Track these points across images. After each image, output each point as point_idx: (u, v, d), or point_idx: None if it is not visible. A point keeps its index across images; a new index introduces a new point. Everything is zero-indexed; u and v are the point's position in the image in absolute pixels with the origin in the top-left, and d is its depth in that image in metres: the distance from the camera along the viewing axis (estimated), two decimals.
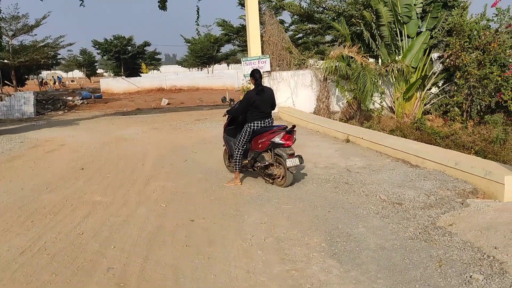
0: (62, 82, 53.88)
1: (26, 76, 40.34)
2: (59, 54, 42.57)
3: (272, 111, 6.55)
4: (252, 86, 6.62)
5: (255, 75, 6.33)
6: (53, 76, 50.53)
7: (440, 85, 13.91)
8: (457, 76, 12.66)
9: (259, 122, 6.25)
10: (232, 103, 7.07)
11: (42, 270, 3.88)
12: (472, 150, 9.82)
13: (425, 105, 13.76)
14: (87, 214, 5.39)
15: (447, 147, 9.74)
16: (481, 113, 12.20)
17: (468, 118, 12.40)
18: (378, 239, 4.22)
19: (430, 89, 13.90)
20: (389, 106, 14.16)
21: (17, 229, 4.92)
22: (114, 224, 5.00)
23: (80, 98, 26.50)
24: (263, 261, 3.90)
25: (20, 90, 28.64)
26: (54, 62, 42.76)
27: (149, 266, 3.89)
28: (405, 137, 10.21)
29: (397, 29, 13.62)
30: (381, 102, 13.60)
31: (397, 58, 13.61)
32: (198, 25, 15.94)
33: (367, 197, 5.56)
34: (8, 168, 8.24)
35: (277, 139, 5.99)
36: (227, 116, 6.90)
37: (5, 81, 33.07)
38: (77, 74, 76.41)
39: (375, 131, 10.09)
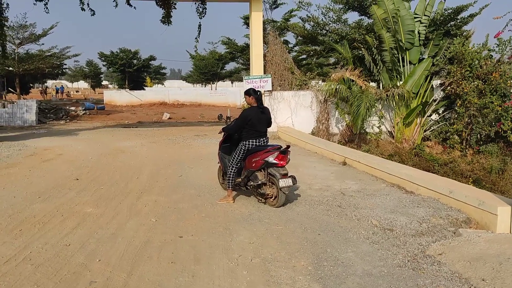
0: (67, 92, 54.32)
1: (31, 85, 40.69)
2: (65, 64, 43.00)
3: (270, 130, 6.54)
4: (246, 105, 6.64)
5: (254, 93, 6.36)
6: (56, 86, 50.91)
7: (440, 112, 13.96)
8: (458, 104, 12.71)
9: (254, 140, 6.25)
10: (228, 120, 7.10)
11: (24, 280, 3.83)
12: (470, 178, 9.78)
13: (424, 131, 13.77)
14: (76, 225, 5.35)
15: (445, 175, 9.71)
16: (481, 142, 12.20)
17: (467, 146, 12.40)
18: (366, 265, 4.17)
19: (430, 115, 13.94)
20: (388, 131, 14.19)
21: (4, 237, 4.88)
22: (102, 237, 4.95)
23: (83, 108, 26.65)
24: (247, 282, 3.85)
25: (23, 98, 28.87)
26: (60, 72, 43.12)
27: (132, 282, 3.84)
28: (403, 163, 10.19)
29: (399, 55, 13.74)
30: (379, 126, 13.63)
31: (398, 83, 13.70)
32: (198, 41, 16.10)
33: (358, 221, 5.52)
34: (3, 175, 8.23)
35: (271, 159, 5.98)
36: (223, 133, 6.91)
37: (9, 88, 33.35)
38: (83, 84, 77.06)
39: (372, 155, 10.08)
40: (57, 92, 49.45)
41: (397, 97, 13.09)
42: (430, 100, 13.76)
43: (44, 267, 4.11)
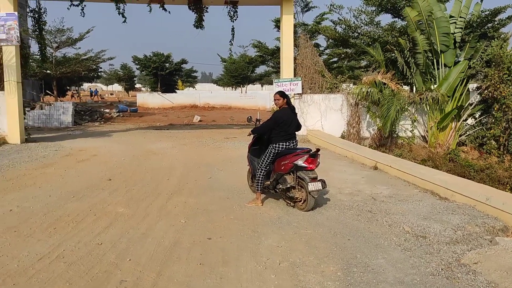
0: (100, 95, 55.91)
1: (68, 87, 42.12)
2: (100, 68, 44.30)
3: (299, 133, 6.50)
4: (275, 108, 6.62)
5: (285, 95, 6.35)
6: (90, 89, 52.45)
7: (476, 116, 13.50)
8: (495, 108, 12.26)
9: (284, 143, 6.22)
10: (258, 123, 7.09)
11: (57, 278, 3.94)
12: (507, 185, 9.41)
13: (460, 136, 13.34)
14: (108, 224, 5.47)
15: (482, 181, 9.36)
16: None
17: (505, 152, 11.92)
18: (398, 273, 4.06)
19: (466, 120, 13.49)
20: (421, 135, 13.83)
21: (39, 235, 5.05)
22: (133, 236, 5.05)
23: (117, 111, 27.36)
24: (275, 286, 3.82)
25: (60, 100, 29.93)
26: (95, 75, 44.47)
27: (161, 282, 3.88)
28: (437, 168, 9.90)
29: (434, 57, 13.39)
30: (412, 130, 13.30)
31: (432, 86, 13.35)
32: (232, 44, 16.22)
33: (390, 227, 5.39)
34: (40, 175, 8.54)
35: (300, 162, 5.94)
36: (252, 135, 6.91)
37: (47, 91, 34.64)
38: (117, 87, 79.13)
39: (405, 160, 9.85)
40: (91, 95, 50.99)
41: (431, 100, 12.75)
42: (466, 104, 13.33)
43: (77, 265, 4.22)
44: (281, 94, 6.39)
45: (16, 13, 12.86)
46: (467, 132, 13.47)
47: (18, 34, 12.82)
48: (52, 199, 6.66)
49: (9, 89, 12.92)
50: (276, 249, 4.67)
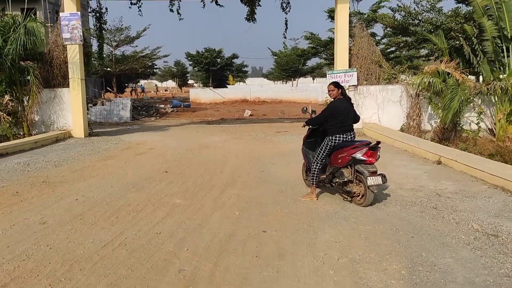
0: (154, 91, 57.53)
1: (126, 84, 43.93)
2: (156, 65, 45.77)
3: (354, 126, 6.25)
4: (329, 100, 6.40)
5: (339, 86, 6.13)
6: (135, 85, 53.60)
7: None
8: None
9: (340, 135, 5.99)
10: (313, 114, 6.90)
11: (120, 264, 4.05)
12: None
13: None
14: (166, 215, 5.57)
15: None
16: None
17: None
18: (468, 273, 3.75)
19: None
20: (488, 128, 12.91)
21: (102, 224, 5.24)
22: (189, 227, 5.09)
23: (171, 106, 28.11)
24: (334, 282, 3.67)
25: (119, 97, 31.25)
26: (151, 72, 45.99)
27: (218, 273, 3.86)
28: (507, 163, 9.18)
29: (503, 44, 12.42)
30: (478, 123, 12.45)
31: (501, 75, 12.39)
32: (286, 37, 16.07)
33: (457, 225, 5.03)
34: (102, 166, 8.91)
35: (359, 155, 5.69)
36: (307, 127, 6.74)
37: (107, 88, 36.33)
38: (171, 84, 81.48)
39: (470, 154, 9.23)
40: (142, 91, 52.58)
41: (500, 90, 11.82)
42: None
43: (138, 252, 4.31)
44: (335, 84, 6.17)
45: (79, 13, 13.50)
46: None
47: (81, 33, 13.47)
48: (114, 190, 6.91)
49: (73, 86, 13.64)
50: (333, 245, 4.51)
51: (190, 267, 3.97)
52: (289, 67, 50.30)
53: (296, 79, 55.64)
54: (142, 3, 14.99)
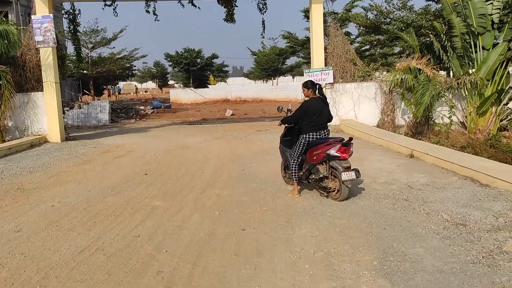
0: (133, 92, 56.82)
1: (104, 86, 43.33)
2: (135, 66, 45.31)
3: (332, 124, 6.42)
4: (305, 99, 6.55)
5: (313, 86, 6.28)
6: (114, 86, 52.73)
7: None
8: None
9: (314, 133, 6.16)
10: (289, 113, 7.04)
11: (97, 269, 4.08)
12: None
13: (501, 121, 12.74)
14: (145, 217, 5.62)
15: None
16: None
17: None
18: (436, 261, 3.94)
19: (507, 104, 12.86)
20: (460, 121, 13.32)
21: (79, 229, 5.25)
22: (169, 229, 5.15)
23: (151, 107, 27.92)
24: (310, 276, 3.80)
25: (97, 99, 30.85)
26: (130, 73, 45.52)
27: (197, 273, 3.95)
28: (477, 155, 9.53)
29: (471, 40, 12.83)
30: (450, 117, 12.83)
31: (470, 70, 12.80)
32: (264, 37, 16.17)
33: (427, 215, 5.24)
34: (79, 171, 8.86)
35: (333, 152, 5.85)
36: (283, 126, 6.88)
37: (84, 91, 35.79)
38: (151, 85, 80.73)
39: (441, 147, 9.54)
40: (119, 93, 51.62)
41: (469, 85, 12.22)
42: (507, 88, 12.69)
43: (116, 257, 4.36)
44: (305, 84, 6.34)
45: (51, 15, 13.33)
46: (509, 117, 12.85)
47: (54, 36, 13.30)
48: (91, 194, 6.90)
49: (47, 89, 13.45)
50: (310, 239, 4.65)
51: (169, 269, 4.04)
52: (268, 66, 50.52)
53: (276, 78, 55.91)
54: (117, 4, 14.88)
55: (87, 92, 35.41)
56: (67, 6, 16.70)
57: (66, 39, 24.83)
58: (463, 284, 3.49)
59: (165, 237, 4.86)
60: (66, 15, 16.36)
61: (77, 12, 16.14)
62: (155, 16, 15.39)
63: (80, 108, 20.90)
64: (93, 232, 5.14)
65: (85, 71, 32.47)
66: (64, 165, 9.55)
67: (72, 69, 30.61)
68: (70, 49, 20.11)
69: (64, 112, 15.68)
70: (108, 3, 14.64)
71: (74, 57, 18.89)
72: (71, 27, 16.47)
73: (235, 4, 15.41)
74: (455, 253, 4.11)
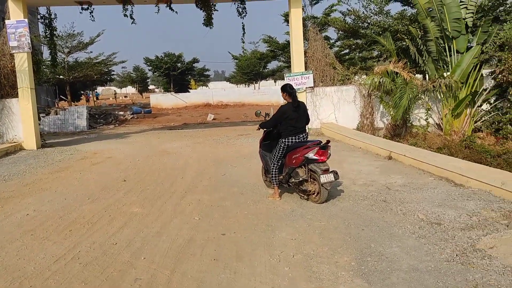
0: (112, 97, 56.15)
1: (82, 92, 42.67)
2: (113, 71, 44.77)
3: (313, 127, 6.49)
4: (284, 102, 6.60)
5: (290, 89, 6.34)
6: (92, 92, 51.97)
7: (492, 101, 13.21)
8: (510, 93, 11.99)
9: (293, 137, 6.21)
10: (267, 117, 7.08)
11: (73, 278, 4.01)
12: None
13: (475, 122, 13.08)
14: (123, 225, 5.55)
15: (499, 167, 9.18)
16: None
17: None
18: (412, 260, 4.02)
19: (481, 105, 13.22)
20: (436, 123, 13.61)
21: (55, 238, 5.15)
22: (147, 235, 5.11)
23: (131, 113, 27.63)
24: (289, 278, 3.82)
25: (75, 105, 30.36)
26: (108, 78, 44.96)
27: (175, 279, 3.92)
28: (453, 155, 9.75)
29: (445, 44, 13.14)
30: (427, 119, 13.09)
31: (445, 73, 13.11)
32: (244, 42, 16.18)
33: (404, 216, 5.33)
34: (55, 178, 8.70)
35: (311, 155, 5.91)
36: (262, 130, 6.92)
37: (61, 96, 35.16)
38: (130, 90, 79.94)
39: (419, 148, 9.72)
40: (96, 97, 50.87)
41: (444, 87, 12.50)
42: (480, 90, 13.05)
43: (92, 265, 4.29)
44: (283, 88, 6.40)
45: (26, 20, 13.08)
46: (483, 118, 13.19)
47: (29, 41, 13.06)
48: (67, 202, 6.79)
49: (22, 95, 13.17)
50: (289, 242, 4.67)
51: (147, 276, 4.01)
52: (250, 70, 50.63)
53: (258, 82, 56.06)
54: (94, 8, 14.71)
55: (64, 97, 34.80)
56: (42, 10, 16.47)
57: (42, 44, 24.41)
58: (437, 282, 3.57)
59: (143, 244, 4.81)
60: (42, 20, 16.11)
61: (53, 16, 15.92)
62: (132, 20, 15.29)
63: (56, 114, 20.52)
64: (69, 240, 5.05)
65: (61, 76, 31.91)
66: (40, 173, 9.36)
67: (48, 74, 30.02)
68: (46, 54, 19.78)
69: (40, 119, 15.35)
70: (85, 7, 14.46)
71: (50, 62, 18.54)
72: (47, 31, 16.21)
73: (214, 8, 15.40)
74: (430, 251, 4.20)
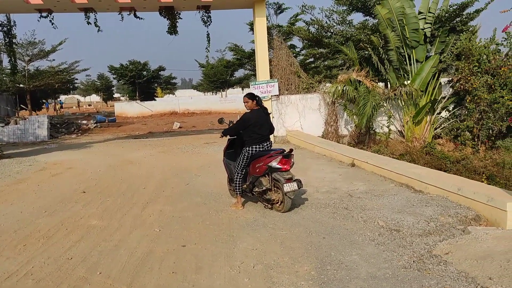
0: (75, 106, 54.65)
1: (44, 100, 41.27)
2: (76, 79, 43.58)
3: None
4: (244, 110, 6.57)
5: (254, 97, 6.33)
6: (54, 100, 50.60)
7: (450, 109, 13.73)
8: (468, 100, 12.49)
9: (257, 146, 6.19)
10: (231, 124, 7.04)
11: None
12: (483, 175, 9.54)
13: (435, 129, 13.54)
14: (79, 238, 5.35)
15: (458, 172, 9.49)
16: (493, 138, 11.95)
17: (479, 142, 12.14)
18: (370, 268, 4.06)
19: (440, 113, 13.71)
20: (398, 130, 13.99)
21: (8, 253, 4.90)
22: (105, 249, 4.94)
23: (94, 122, 26.94)
24: None
25: (36, 114, 29.29)
26: (71, 86, 43.69)
27: None
28: (414, 162, 10.01)
29: (406, 53, 13.58)
30: (389, 126, 13.44)
31: (406, 82, 13.52)
32: (208, 51, 16.16)
33: (365, 223, 5.40)
34: (12, 191, 8.32)
35: (274, 164, 5.91)
36: (227, 138, 6.87)
37: (21, 105, 33.87)
38: (95, 98, 78.06)
39: (381, 156, 9.93)
40: (61, 107, 49.44)
41: (405, 95, 12.90)
42: (439, 98, 13.55)
43: (45, 281, 4.10)
44: (249, 96, 6.39)
45: None
46: (442, 125, 13.68)
47: None
48: (23, 216, 6.49)
49: None
50: (250, 252, 4.63)
51: None
52: (217, 78, 50.46)
53: (225, 90, 55.99)
54: (53, 16, 14.30)
55: (24, 107, 33.54)
56: (1, 17, 15.88)
57: (2, 52, 23.51)
58: None
59: (100, 258, 4.64)
60: (1, 27, 15.51)
61: (12, 23, 15.35)
62: (97, 27, 14.98)
63: (16, 123, 19.72)
64: (23, 255, 4.81)
65: (21, 85, 30.78)
66: None
67: (7, 83, 28.88)
68: (6, 62, 19.05)
69: None
70: (44, 14, 14.04)
71: (9, 70, 17.88)
72: (6, 39, 15.62)
73: (178, 16, 15.31)
74: (388, 258, 4.26)
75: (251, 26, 22.42)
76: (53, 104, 45.72)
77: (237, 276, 4.05)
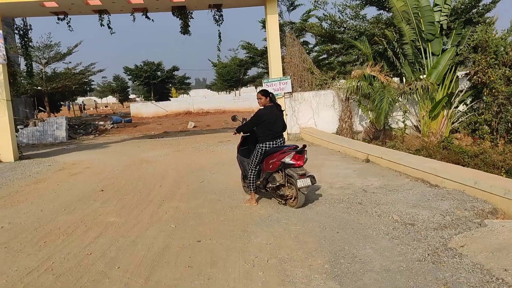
0: (93, 107, 55.44)
1: (62, 102, 42.02)
2: (92, 81, 44.25)
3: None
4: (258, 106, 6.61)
5: (267, 94, 6.37)
6: (72, 103, 51.33)
7: (468, 102, 13.51)
8: (485, 93, 12.28)
9: (270, 142, 6.22)
10: (244, 122, 7.08)
11: None
12: (502, 169, 9.40)
13: (452, 123, 13.35)
14: (98, 234, 5.47)
15: (476, 167, 9.37)
16: None
17: (498, 136, 11.94)
18: (384, 261, 4.06)
19: (457, 107, 13.51)
20: (414, 125, 13.84)
21: (29, 250, 5.05)
22: (123, 244, 5.04)
23: (111, 122, 27.35)
24: (262, 283, 3.82)
25: (54, 116, 29.87)
26: (88, 88, 44.41)
27: (149, 287, 3.88)
28: (431, 157, 9.90)
29: (421, 46, 13.41)
30: (404, 121, 13.31)
31: (421, 76, 13.36)
32: (220, 50, 16.25)
33: (379, 217, 5.39)
34: (32, 190, 8.54)
35: (288, 159, 5.93)
36: (240, 136, 6.92)
37: (40, 107, 34.56)
38: (111, 99, 79.14)
39: (395, 151, 9.86)
40: (69, 108, 50.31)
41: (421, 90, 12.76)
42: (456, 91, 13.34)
43: (65, 276, 4.21)
44: (263, 92, 6.42)
45: (1, 31, 12.87)
46: (459, 119, 13.48)
47: (4, 52, 12.84)
48: (43, 214, 6.66)
49: None
50: (264, 247, 4.67)
51: (121, 285, 3.95)
52: (230, 77, 50.69)
53: (239, 89, 56.17)
54: (70, 18, 14.57)
55: (43, 109, 34.24)
56: (18, 21, 16.22)
57: (19, 55, 24.03)
58: (408, 281, 3.61)
59: (118, 253, 4.75)
60: (17, 31, 15.86)
61: (28, 27, 15.68)
62: (110, 29, 15.19)
63: (35, 125, 20.17)
64: (43, 252, 4.95)
65: (39, 87, 31.42)
66: (17, 185, 9.17)
67: (25, 85, 29.52)
68: (23, 65, 19.47)
69: (17, 130, 15.07)
70: (61, 17, 14.31)
71: (26, 73, 18.28)
72: (22, 42, 15.98)
73: (190, 16, 15.41)
74: (402, 252, 4.25)
75: (263, 23, 22.47)
76: (77, 105, 46.52)
77: (252, 270, 4.10)
